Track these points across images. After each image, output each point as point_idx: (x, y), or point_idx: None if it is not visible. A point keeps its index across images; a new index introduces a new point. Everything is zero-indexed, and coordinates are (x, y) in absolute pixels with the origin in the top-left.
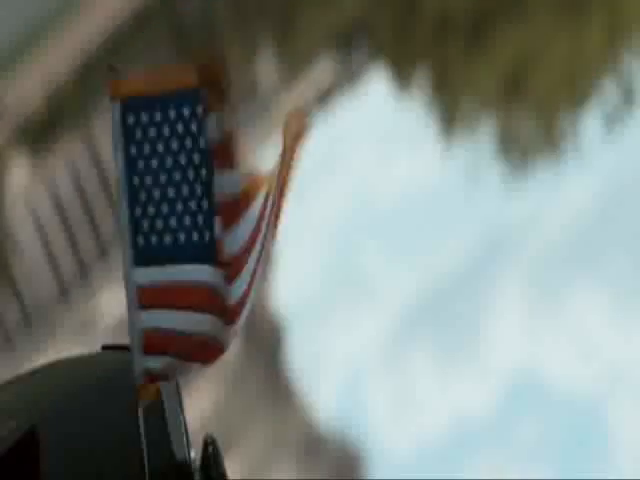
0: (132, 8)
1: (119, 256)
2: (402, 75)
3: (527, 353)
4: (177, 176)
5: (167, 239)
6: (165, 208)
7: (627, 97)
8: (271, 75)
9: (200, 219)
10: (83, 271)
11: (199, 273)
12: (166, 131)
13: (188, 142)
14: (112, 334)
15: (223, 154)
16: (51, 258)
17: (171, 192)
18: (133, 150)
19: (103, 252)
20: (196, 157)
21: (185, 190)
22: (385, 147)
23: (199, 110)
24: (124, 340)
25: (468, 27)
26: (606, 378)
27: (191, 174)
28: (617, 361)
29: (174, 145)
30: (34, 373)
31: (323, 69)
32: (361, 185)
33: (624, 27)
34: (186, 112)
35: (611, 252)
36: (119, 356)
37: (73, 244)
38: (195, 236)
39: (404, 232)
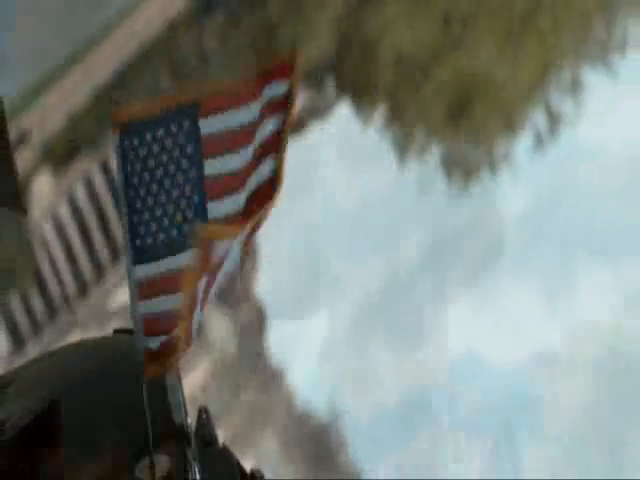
0: (138, 46)
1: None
2: (364, 106)
3: (470, 336)
4: (167, 183)
5: (161, 237)
6: (158, 211)
7: (553, 122)
8: None
9: (188, 212)
10: (99, 271)
11: (177, 260)
12: (168, 144)
13: (176, 152)
14: (122, 322)
15: (216, 143)
16: (72, 260)
17: (162, 197)
18: (128, 168)
19: (115, 255)
20: (184, 162)
21: (175, 192)
22: (350, 165)
23: (187, 123)
24: (131, 326)
25: (419, 64)
26: (536, 357)
27: (180, 178)
28: (546, 343)
29: (164, 157)
30: (58, 352)
31: (298, 102)
32: (330, 196)
33: (553, 63)
34: (186, 124)
35: (539, 250)
36: (127, 338)
37: (90, 248)
38: (176, 231)
39: (365, 235)
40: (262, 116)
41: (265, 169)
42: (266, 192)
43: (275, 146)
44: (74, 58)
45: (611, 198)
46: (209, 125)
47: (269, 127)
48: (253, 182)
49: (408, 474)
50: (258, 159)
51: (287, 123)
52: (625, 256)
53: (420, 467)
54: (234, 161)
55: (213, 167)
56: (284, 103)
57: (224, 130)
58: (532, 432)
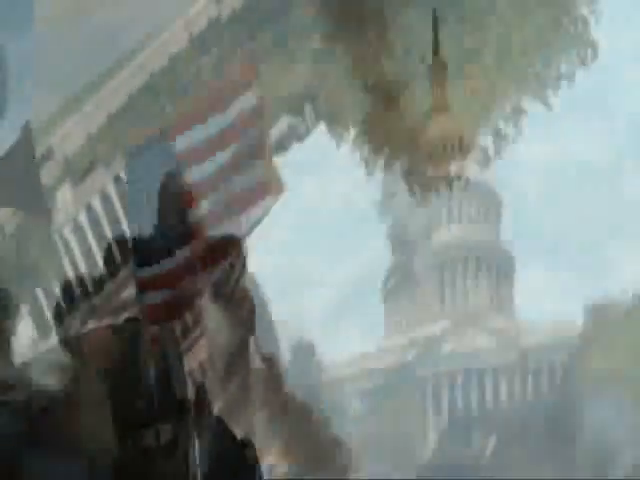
0: (145, 78)
1: None
2: (338, 128)
3: (429, 323)
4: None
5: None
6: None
7: (497, 143)
8: None
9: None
10: (112, 268)
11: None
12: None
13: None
14: (132, 312)
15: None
16: (90, 261)
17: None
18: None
19: (125, 255)
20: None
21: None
22: (327, 177)
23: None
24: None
25: (384, 93)
26: (481, 339)
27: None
28: (495, 330)
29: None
30: (76, 337)
31: (282, 125)
32: (310, 202)
33: (497, 93)
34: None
35: (488, 248)
36: (136, 324)
37: (104, 249)
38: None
39: (340, 234)
40: (235, 125)
41: (252, 172)
42: (259, 192)
43: (260, 153)
44: (91, 87)
45: (546, 203)
46: (183, 141)
47: (248, 135)
48: (237, 184)
49: (378, 444)
50: (238, 163)
51: (265, 133)
52: (558, 255)
53: (389, 436)
54: (210, 166)
55: (198, 172)
56: (256, 114)
57: (199, 141)
58: (486, 411)
